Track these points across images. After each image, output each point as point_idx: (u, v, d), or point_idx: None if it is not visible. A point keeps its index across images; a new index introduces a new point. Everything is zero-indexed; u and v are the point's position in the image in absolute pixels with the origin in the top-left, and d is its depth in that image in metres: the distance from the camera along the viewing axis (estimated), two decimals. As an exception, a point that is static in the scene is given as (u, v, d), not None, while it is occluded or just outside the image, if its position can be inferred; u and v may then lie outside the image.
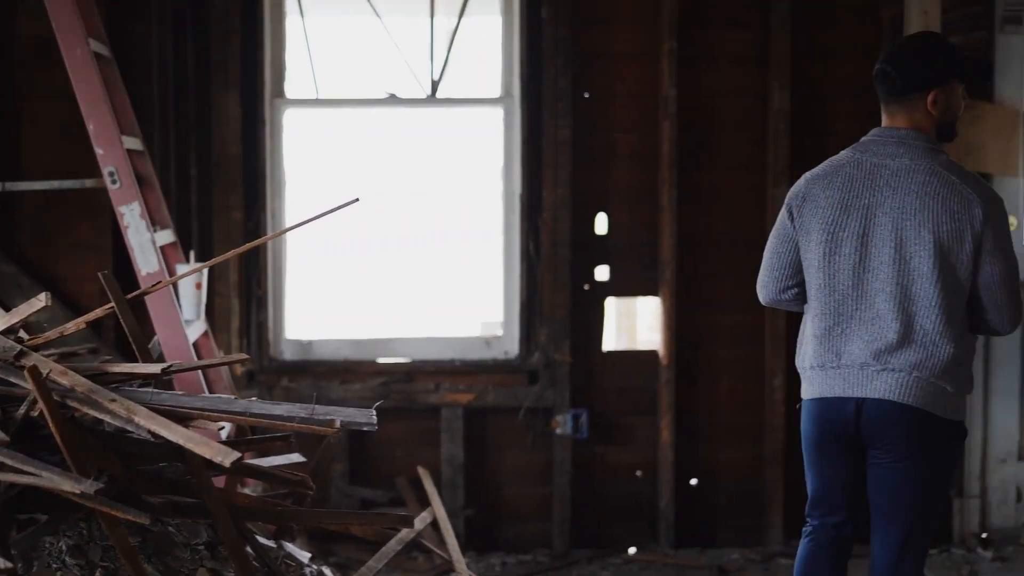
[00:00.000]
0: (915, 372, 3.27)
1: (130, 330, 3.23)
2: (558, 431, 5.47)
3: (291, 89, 5.57)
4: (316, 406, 2.93)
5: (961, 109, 3.40)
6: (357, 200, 3.28)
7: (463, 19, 5.45)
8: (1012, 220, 5.69)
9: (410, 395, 5.43)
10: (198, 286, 4.61)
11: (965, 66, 3.46)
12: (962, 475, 5.72)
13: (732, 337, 5.60)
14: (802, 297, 3.45)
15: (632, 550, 5.58)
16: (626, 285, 5.58)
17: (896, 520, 3.39)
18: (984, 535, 5.68)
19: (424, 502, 4.70)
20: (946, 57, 3.38)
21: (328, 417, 2.88)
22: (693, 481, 5.64)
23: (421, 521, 3.99)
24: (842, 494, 3.47)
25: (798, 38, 5.44)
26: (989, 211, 3.25)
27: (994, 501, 5.80)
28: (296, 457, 3.29)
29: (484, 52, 5.57)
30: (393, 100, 5.52)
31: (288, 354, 5.55)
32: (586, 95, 5.43)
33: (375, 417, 2.90)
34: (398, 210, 5.62)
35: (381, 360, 5.53)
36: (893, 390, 3.28)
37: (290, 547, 3.28)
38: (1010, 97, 5.58)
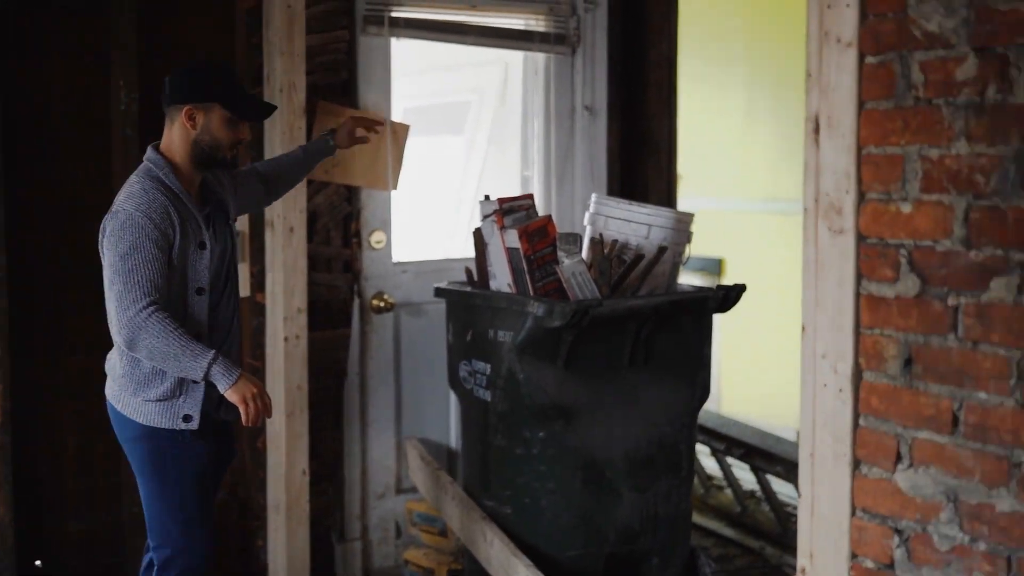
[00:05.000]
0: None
1: None
2: None
3: None
4: None
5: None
6: None
7: None
8: (379, 236, 5.31)
9: None
10: None
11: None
12: (342, 518, 5.23)
13: (81, 384, 4.65)
14: None
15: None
16: (-56, 329, 4.45)
17: None
18: (368, 580, 5.26)
19: None
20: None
21: None
22: (38, 563, 4.63)
23: None
24: None
25: (145, 30, 4.63)
26: (106, 224, 3.51)
27: (375, 540, 5.36)
28: None
29: None
30: None
31: None
32: None
33: None
34: None
35: None
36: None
37: None
38: (375, 103, 5.17)
